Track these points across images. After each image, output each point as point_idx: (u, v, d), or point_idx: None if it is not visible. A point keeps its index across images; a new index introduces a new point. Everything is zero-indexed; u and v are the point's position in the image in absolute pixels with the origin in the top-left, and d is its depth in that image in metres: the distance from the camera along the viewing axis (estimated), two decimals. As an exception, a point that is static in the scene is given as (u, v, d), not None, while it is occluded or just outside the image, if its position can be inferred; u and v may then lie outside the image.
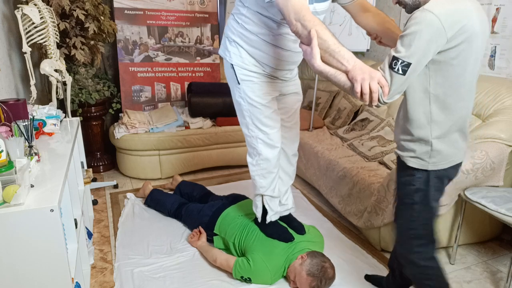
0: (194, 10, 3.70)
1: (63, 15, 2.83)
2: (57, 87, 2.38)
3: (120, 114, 3.43)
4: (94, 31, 2.89)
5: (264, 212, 2.02)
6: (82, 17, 2.79)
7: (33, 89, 2.21)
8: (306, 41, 1.26)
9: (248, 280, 1.93)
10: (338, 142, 3.03)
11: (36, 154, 1.56)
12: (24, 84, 2.62)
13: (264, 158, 1.86)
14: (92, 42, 3.01)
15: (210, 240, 2.23)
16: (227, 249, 2.15)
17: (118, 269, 2.07)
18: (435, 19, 1.13)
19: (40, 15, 2.24)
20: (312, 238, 2.09)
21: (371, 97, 1.16)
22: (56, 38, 2.39)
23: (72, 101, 3.02)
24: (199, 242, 2.22)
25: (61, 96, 2.48)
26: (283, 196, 2.09)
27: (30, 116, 1.82)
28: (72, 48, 2.89)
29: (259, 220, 2.06)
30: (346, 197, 2.49)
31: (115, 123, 3.32)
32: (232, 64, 1.75)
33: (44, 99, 2.97)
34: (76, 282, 1.53)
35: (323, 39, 1.20)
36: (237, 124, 1.91)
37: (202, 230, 2.27)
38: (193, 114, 3.37)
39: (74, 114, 3.01)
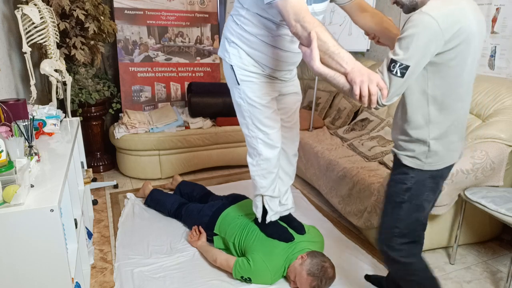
0: (194, 10, 3.70)
1: (63, 15, 2.83)
2: (57, 87, 2.38)
3: (120, 114, 3.43)
4: (94, 31, 2.89)
5: (264, 212, 2.02)
6: (82, 17, 2.79)
7: (33, 89, 2.21)
8: (305, 42, 1.26)
9: (248, 280, 1.93)
10: (338, 142, 3.03)
11: (36, 154, 1.56)
12: (24, 84, 2.62)
13: (265, 158, 1.86)
14: (92, 42, 3.01)
15: (210, 240, 2.23)
16: (227, 249, 2.16)
17: (118, 269, 2.07)
18: (432, 21, 1.13)
19: (40, 15, 2.24)
20: (312, 238, 2.09)
21: (370, 100, 1.16)
22: (56, 38, 2.39)
23: (72, 101, 3.02)
24: (199, 242, 2.22)
25: (61, 96, 2.48)
26: (283, 196, 2.09)
27: (30, 116, 1.82)
28: (72, 48, 2.89)
29: (259, 220, 2.06)
30: (346, 197, 2.49)
31: (115, 123, 3.32)
32: (231, 65, 1.75)
33: (44, 99, 2.97)
34: (76, 282, 1.53)
35: (322, 41, 1.20)
36: (237, 124, 1.92)
37: (202, 230, 2.27)
38: (193, 114, 3.37)
39: (74, 114, 3.01)
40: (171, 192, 2.82)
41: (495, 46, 2.49)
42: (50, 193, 1.30)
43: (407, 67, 1.17)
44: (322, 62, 1.21)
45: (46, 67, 2.25)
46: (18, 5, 2.19)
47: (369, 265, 2.11)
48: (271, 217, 2.02)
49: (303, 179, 3.21)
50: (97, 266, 2.12)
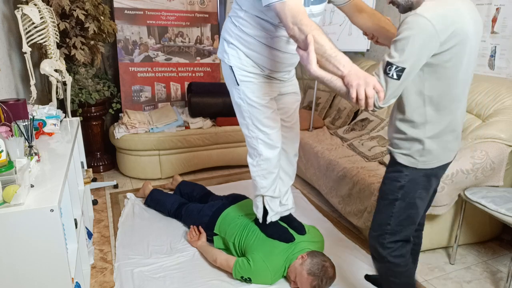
0: (194, 10, 3.70)
1: (63, 15, 2.83)
2: (57, 87, 2.38)
3: (120, 114, 3.43)
4: (94, 31, 2.89)
5: (265, 212, 2.02)
6: (82, 17, 2.79)
7: (33, 89, 2.21)
8: (303, 45, 1.26)
9: (248, 280, 1.93)
10: (338, 142, 3.03)
11: (36, 154, 1.56)
12: (24, 84, 2.62)
13: (265, 159, 1.86)
14: (92, 42, 3.01)
15: (210, 240, 2.23)
16: (227, 249, 2.15)
17: (118, 269, 2.07)
18: (427, 23, 1.13)
19: (40, 15, 2.24)
20: (312, 238, 2.09)
21: (367, 102, 1.16)
22: (56, 38, 2.39)
23: (72, 101, 3.02)
24: (199, 242, 2.22)
25: (61, 96, 2.48)
26: (284, 197, 2.09)
27: (30, 116, 1.82)
28: (72, 48, 2.89)
29: (260, 220, 2.06)
30: (346, 197, 2.49)
31: (115, 123, 3.32)
32: (230, 66, 1.75)
33: (44, 99, 2.97)
34: (76, 282, 1.53)
35: (320, 44, 1.21)
36: (237, 124, 1.92)
37: (202, 230, 2.27)
38: (193, 114, 3.37)
39: (74, 114, 3.01)
40: (171, 192, 2.82)
41: (495, 46, 2.49)
42: (50, 193, 1.30)
43: (403, 70, 1.17)
44: (319, 65, 1.22)
45: (46, 67, 2.25)
46: (18, 5, 2.19)
47: (369, 265, 2.11)
48: (271, 217, 2.02)
49: (303, 179, 3.21)
50: (97, 266, 2.12)
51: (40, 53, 2.82)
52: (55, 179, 1.42)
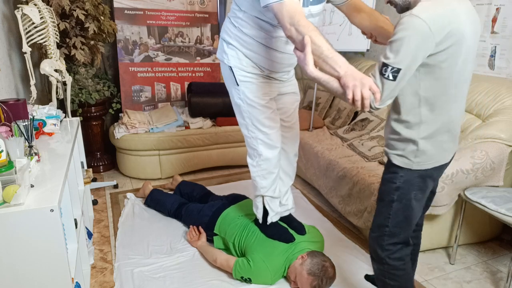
0: (194, 10, 3.70)
1: (63, 15, 2.83)
2: (57, 87, 2.38)
3: (120, 114, 3.43)
4: (94, 31, 2.89)
5: (265, 213, 2.02)
6: (82, 17, 2.79)
7: (33, 89, 2.21)
8: (300, 46, 1.26)
9: (248, 281, 1.93)
10: (338, 142, 3.03)
11: (36, 154, 1.56)
12: (24, 84, 2.62)
13: (265, 159, 1.86)
14: (92, 42, 3.01)
15: (210, 240, 2.23)
16: (227, 249, 2.15)
17: (118, 269, 2.07)
18: (423, 24, 1.13)
19: (40, 15, 2.24)
20: (312, 238, 2.09)
21: (363, 103, 1.16)
22: (56, 38, 2.39)
23: (72, 101, 3.02)
24: (199, 242, 2.22)
25: (61, 96, 2.48)
26: (283, 197, 2.09)
27: (30, 116, 1.82)
28: (72, 48, 2.89)
29: (260, 221, 2.06)
30: (346, 197, 2.49)
31: (115, 123, 3.32)
32: (230, 67, 1.75)
33: (44, 99, 2.97)
34: (76, 282, 1.53)
35: (317, 45, 1.21)
36: (237, 124, 1.92)
37: (202, 230, 2.27)
38: (193, 114, 3.37)
39: (74, 114, 3.01)
40: (171, 192, 2.82)
41: (495, 46, 2.49)
42: (50, 193, 1.30)
43: (398, 70, 1.17)
44: (316, 66, 1.22)
45: (46, 67, 2.25)
46: (18, 5, 2.19)
47: (369, 265, 2.11)
48: (272, 218, 2.02)
49: (303, 179, 3.21)
50: (97, 266, 2.12)
51: (40, 53, 2.82)
52: (55, 179, 1.42)
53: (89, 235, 2.22)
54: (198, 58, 3.79)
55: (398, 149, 1.36)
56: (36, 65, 2.78)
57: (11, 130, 1.61)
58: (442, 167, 1.41)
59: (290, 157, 2.06)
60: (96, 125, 3.32)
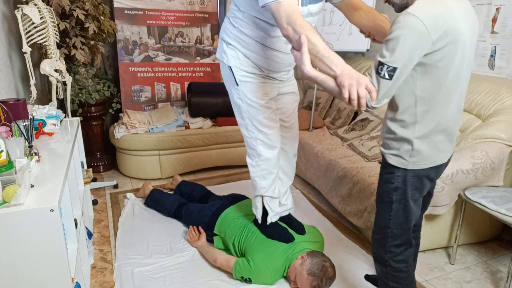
0: (194, 10, 3.70)
1: (63, 15, 2.83)
2: (57, 87, 2.38)
3: (120, 114, 3.43)
4: (94, 31, 2.89)
5: (265, 213, 2.02)
6: (82, 17, 2.79)
7: (33, 89, 2.21)
8: (296, 46, 1.26)
9: (248, 281, 1.93)
10: (338, 142, 3.03)
11: (36, 154, 1.56)
12: (24, 84, 2.62)
13: (264, 159, 1.86)
14: (92, 42, 3.01)
15: (210, 240, 2.23)
16: (227, 250, 2.15)
17: (118, 269, 2.07)
18: (419, 22, 1.13)
19: (40, 15, 2.24)
20: (312, 238, 2.09)
21: (359, 103, 1.16)
22: (56, 38, 2.39)
23: (72, 101, 3.02)
24: (199, 242, 2.22)
25: (61, 96, 2.48)
26: (283, 197, 2.09)
27: (30, 116, 1.82)
28: (72, 48, 2.89)
29: (259, 221, 2.06)
30: (346, 197, 2.49)
31: (115, 123, 3.32)
32: (230, 67, 1.75)
33: (44, 99, 2.97)
34: (76, 282, 1.53)
35: (313, 44, 1.21)
36: (237, 124, 1.92)
37: (201, 230, 2.27)
38: (193, 114, 3.37)
39: (74, 114, 3.01)
40: (171, 192, 2.82)
41: (495, 46, 2.49)
42: (50, 193, 1.30)
43: (394, 69, 1.16)
44: (313, 65, 1.22)
45: (46, 67, 2.25)
46: (18, 5, 2.19)
47: (369, 265, 2.11)
48: (271, 218, 2.02)
49: (303, 179, 3.21)
50: (97, 266, 2.12)
51: (40, 53, 2.82)
52: (55, 179, 1.42)
53: (89, 235, 2.22)
54: (198, 58, 3.79)
55: (394, 149, 1.36)
56: (36, 65, 2.78)
57: (11, 130, 1.61)
58: (440, 168, 1.40)
59: (289, 157, 2.06)
60: (96, 125, 3.32)
